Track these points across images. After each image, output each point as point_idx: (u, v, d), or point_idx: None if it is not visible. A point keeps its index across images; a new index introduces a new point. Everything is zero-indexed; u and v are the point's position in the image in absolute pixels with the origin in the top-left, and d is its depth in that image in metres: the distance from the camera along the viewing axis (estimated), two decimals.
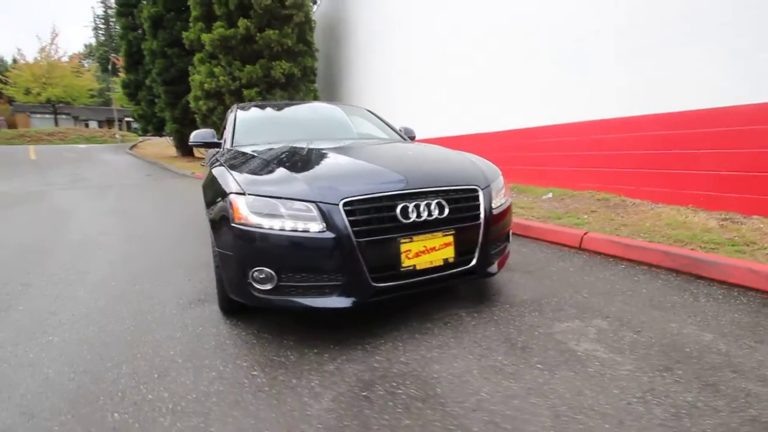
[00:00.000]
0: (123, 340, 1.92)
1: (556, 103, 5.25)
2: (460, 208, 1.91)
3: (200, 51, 12.49)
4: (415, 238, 1.77)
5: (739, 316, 1.94)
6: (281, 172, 1.91)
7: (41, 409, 1.43)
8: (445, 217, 1.85)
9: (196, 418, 1.35)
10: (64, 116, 35.05)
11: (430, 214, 1.81)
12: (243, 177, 1.87)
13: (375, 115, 3.73)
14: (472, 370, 1.57)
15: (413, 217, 1.78)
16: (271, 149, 2.38)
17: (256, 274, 1.72)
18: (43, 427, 1.34)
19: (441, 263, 1.86)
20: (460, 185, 1.96)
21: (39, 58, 30.23)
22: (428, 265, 1.82)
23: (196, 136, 2.91)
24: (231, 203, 1.77)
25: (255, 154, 2.25)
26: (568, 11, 5.06)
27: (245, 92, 11.98)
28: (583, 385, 1.45)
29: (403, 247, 1.75)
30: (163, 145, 19.73)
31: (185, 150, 18.21)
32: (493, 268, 2.07)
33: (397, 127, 3.55)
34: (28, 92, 29.73)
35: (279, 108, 3.52)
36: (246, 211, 1.73)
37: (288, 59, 12.58)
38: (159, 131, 17.65)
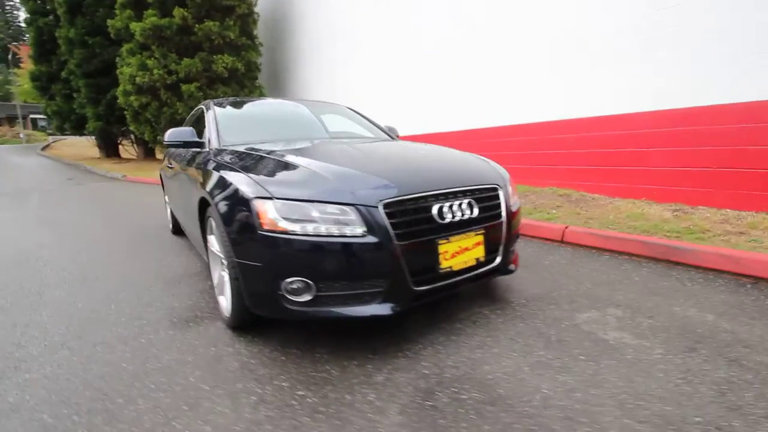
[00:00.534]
0: (124, 371, 1.66)
1: (517, 104, 5.52)
2: (487, 207, 1.92)
3: (129, 41, 11.35)
4: (451, 238, 1.74)
5: (725, 296, 2.18)
6: (306, 172, 1.77)
7: None
8: (476, 217, 1.84)
9: None
10: None
11: (462, 214, 1.80)
12: (265, 179, 1.70)
13: (358, 113, 3.64)
14: (522, 367, 1.59)
15: (449, 217, 1.75)
16: (275, 148, 2.21)
17: (290, 285, 1.58)
18: None
19: (474, 263, 1.85)
20: (484, 184, 1.97)
21: None
22: (463, 266, 1.81)
23: (172, 134, 2.61)
24: (255, 209, 1.61)
25: (264, 154, 2.07)
26: (520, 17, 5.35)
27: (183, 87, 11.12)
28: (630, 373, 1.53)
29: (441, 248, 1.72)
30: (82, 145, 17.69)
31: (110, 150, 16.48)
32: (512, 265, 2.11)
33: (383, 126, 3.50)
34: None
35: (258, 105, 3.29)
36: (275, 217, 1.58)
37: (231, 53, 11.90)
38: (79, 130, 15.73)
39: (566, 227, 3.38)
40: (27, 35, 15.15)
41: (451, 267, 1.76)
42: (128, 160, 15.19)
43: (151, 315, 2.21)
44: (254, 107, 3.23)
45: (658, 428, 1.25)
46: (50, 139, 23.18)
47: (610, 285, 2.40)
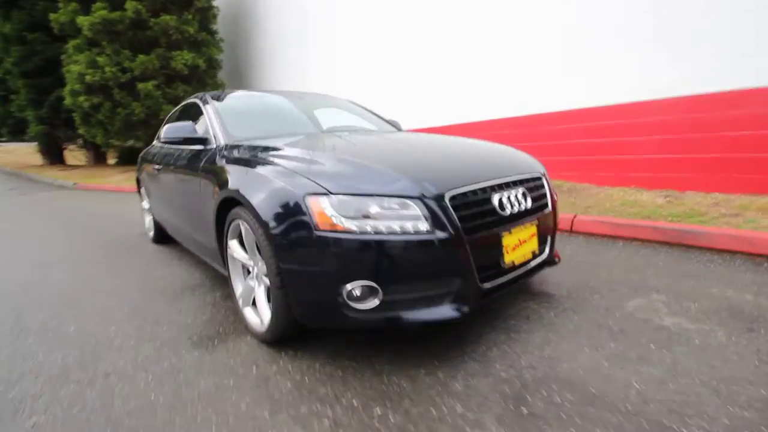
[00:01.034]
0: (157, 404, 1.42)
1: (500, 98, 5.56)
2: (537, 196, 1.85)
3: (75, 37, 10.40)
4: (512, 230, 1.65)
5: (751, 275, 2.24)
6: (356, 165, 1.60)
7: None
8: (530, 207, 1.76)
9: None
10: None
11: (519, 205, 1.70)
12: (314, 173, 1.52)
13: (361, 106, 3.47)
14: (600, 362, 1.51)
15: (509, 208, 1.65)
16: (300, 139, 2.02)
17: (353, 290, 1.41)
18: None
19: (530, 256, 1.77)
20: (532, 173, 1.89)
21: None
22: (522, 259, 1.71)
23: (171, 130, 2.33)
24: (309, 207, 1.43)
25: (296, 148, 1.87)
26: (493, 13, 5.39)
27: (140, 85, 10.36)
28: (706, 358, 1.50)
29: (504, 242, 1.61)
30: (22, 152, 16.09)
31: (54, 157, 15.10)
32: (555, 257, 2.05)
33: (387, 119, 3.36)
34: None
35: (258, 98, 3.03)
36: (333, 215, 1.41)
37: (191, 49, 11.23)
38: (18, 135, 14.28)
39: (575, 216, 3.40)
40: None
41: (513, 261, 1.66)
42: (76, 166, 13.94)
43: (164, 335, 1.95)
44: (254, 100, 2.98)
45: (763, 412, 1.21)
46: None
47: (638, 271, 2.40)
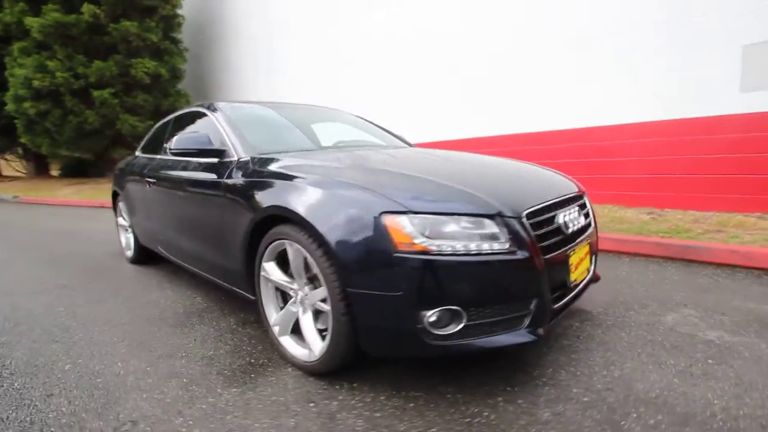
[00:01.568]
0: None
1: (476, 118, 5.72)
2: (585, 214, 1.86)
3: (22, 39, 9.52)
4: (576, 249, 1.63)
5: (758, 287, 2.39)
6: (424, 181, 1.52)
7: None
8: (583, 225, 1.76)
9: None
10: None
11: (577, 223, 1.70)
12: (387, 189, 1.41)
13: (366, 120, 3.40)
14: (671, 380, 1.50)
15: (571, 226, 1.63)
16: (347, 154, 1.90)
17: (435, 315, 1.31)
18: None
19: (586, 274, 1.76)
20: (579, 192, 1.90)
21: None
22: (581, 277, 1.70)
23: (182, 141, 2.11)
24: (385, 226, 1.32)
25: (344, 162, 1.76)
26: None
27: (95, 93, 9.67)
28: (765, 369, 1.54)
29: (570, 260, 1.59)
30: None
31: None
32: (596, 275, 2.06)
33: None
34: None
35: (257, 108, 2.84)
36: (412, 234, 1.31)
37: (152, 57, 10.68)
38: None
39: None
40: None
41: (576, 279, 1.64)
42: (14, 178, 12.60)
43: (186, 370, 1.71)
44: (258, 111, 2.80)
45: None
46: None
47: (657, 286, 2.49)
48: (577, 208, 1.74)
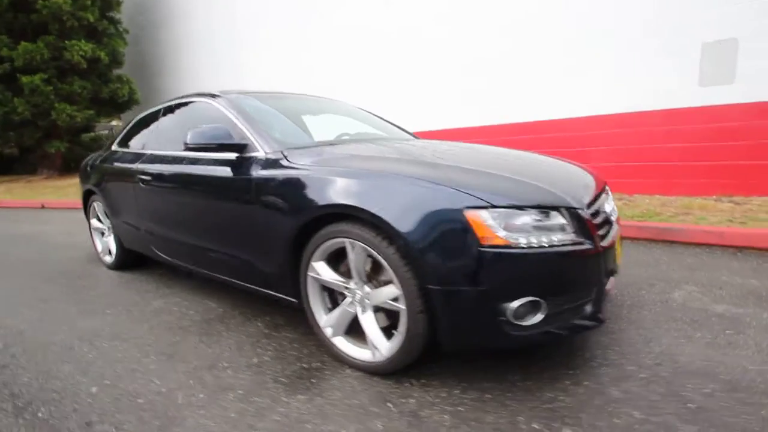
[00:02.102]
0: None
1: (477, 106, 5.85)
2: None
3: None
4: (617, 237, 1.73)
5: (737, 263, 2.69)
6: (494, 174, 1.53)
7: None
8: (617, 215, 1.87)
9: None
10: None
11: (614, 213, 1.81)
12: (462, 183, 1.40)
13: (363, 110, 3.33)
14: (706, 351, 1.66)
15: (612, 217, 1.73)
16: (397, 145, 1.87)
17: (518, 307, 1.34)
18: None
19: (619, 263, 1.88)
20: (605, 183, 2.01)
21: None
22: (617, 265, 1.81)
23: (199, 135, 1.95)
24: (468, 221, 1.32)
25: (397, 154, 1.72)
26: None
27: (23, 79, 8.63)
28: None
29: (616, 247, 1.69)
30: None
31: None
32: None
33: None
34: None
35: (277, 99, 2.69)
36: (494, 228, 1.32)
37: (89, 39, 9.66)
38: None
39: None
40: None
41: (615, 267, 1.74)
42: None
43: (238, 381, 1.61)
44: (276, 102, 2.64)
45: None
46: None
47: (653, 266, 2.72)
48: (610, 198, 1.85)
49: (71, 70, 9.50)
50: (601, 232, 1.55)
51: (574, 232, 1.42)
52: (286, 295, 1.86)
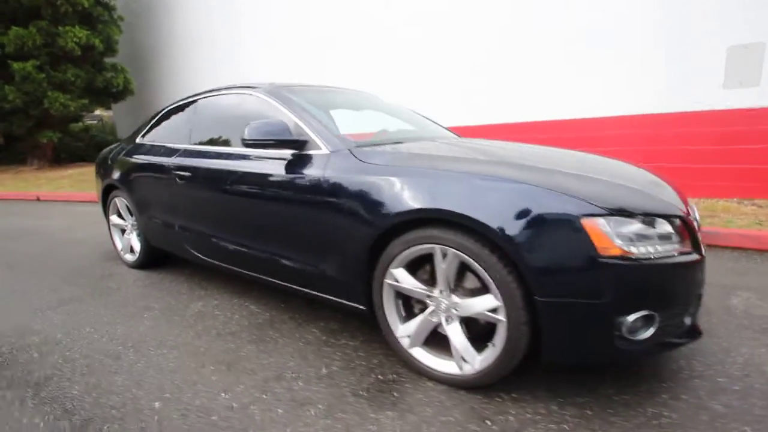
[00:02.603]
0: None
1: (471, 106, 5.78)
2: None
3: None
4: None
5: None
6: (598, 180, 1.46)
7: None
8: None
9: None
10: None
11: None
12: (573, 189, 1.32)
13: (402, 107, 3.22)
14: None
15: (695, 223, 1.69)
16: (477, 145, 1.79)
17: (633, 321, 1.27)
18: None
19: None
20: None
21: None
22: None
23: (257, 131, 1.83)
24: (586, 229, 1.24)
25: (470, 154, 1.63)
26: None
27: (15, 66, 8.27)
28: None
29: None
30: None
31: None
32: None
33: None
34: None
35: (324, 93, 2.56)
36: (614, 238, 1.25)
37: (83, 25, 9.28)
38: None
39: None
40: None
41: None
42: None
43: (314, 394, 1.52)
44: (326, 96, 2.51)
45: None
46: None
47: None
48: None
49: (64, 58, 9.12)
50: (698, 241, 1.50)
51: (679, 241, 1.36)
52: (354, 303, 1.76)
